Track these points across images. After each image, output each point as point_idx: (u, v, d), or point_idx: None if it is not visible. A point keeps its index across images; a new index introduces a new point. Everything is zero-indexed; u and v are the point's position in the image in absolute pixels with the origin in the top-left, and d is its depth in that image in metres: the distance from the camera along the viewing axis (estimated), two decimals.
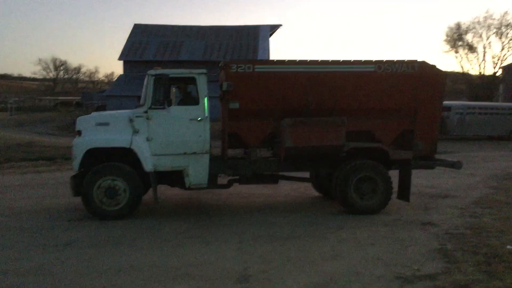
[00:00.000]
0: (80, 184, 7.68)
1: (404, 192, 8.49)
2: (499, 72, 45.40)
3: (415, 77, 8.38)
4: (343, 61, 8.37)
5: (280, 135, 7.94)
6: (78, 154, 7.64)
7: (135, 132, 7.76)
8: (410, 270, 5.30)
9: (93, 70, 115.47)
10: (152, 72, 7.91)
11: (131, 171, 7.72)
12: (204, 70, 8.11)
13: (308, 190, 10.17)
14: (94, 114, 8.49)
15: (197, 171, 7.98)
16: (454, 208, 8.76)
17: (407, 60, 8.41)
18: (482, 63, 45.30)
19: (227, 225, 7.41)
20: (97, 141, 7.69)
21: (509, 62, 44.67)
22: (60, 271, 5.38)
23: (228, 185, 8.71)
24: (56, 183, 11.34)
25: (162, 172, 7.95)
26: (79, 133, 7.79)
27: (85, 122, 7.92)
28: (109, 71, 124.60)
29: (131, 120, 7.78)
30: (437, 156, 9.09)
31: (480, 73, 45.57)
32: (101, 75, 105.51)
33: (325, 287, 4.88)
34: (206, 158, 8.00)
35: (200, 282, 5.02)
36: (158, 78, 7.79)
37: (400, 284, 4.90)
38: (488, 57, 45.28)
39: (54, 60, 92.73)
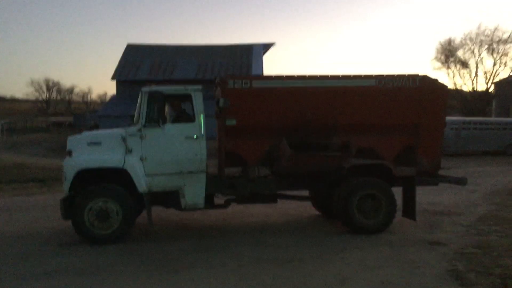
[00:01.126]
0: (70, 207, 7.32)
1: (410, 210, 8.19)
2: (492, 88, 45.65)
3: (417, 91, 8.16)
4: (342, 76, 8.14)
5: (280, 157, 7.71)
6: (69, 175, 7.30)
7: (129, 151, 7.44)
8: None
9: (86, 91, 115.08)
10: (146, 89, 7.64)
11: (124, 193, 7.38)
12: (200, 87, 7.86)
13: (308, 209, 9.83)
14: (85, 133, 8.17)
15: (193, 191, 7.66)
16: (460, 226, 8.47)
17: (408, 74, 8.20)
18: (475, 79, 45.62)
19: (225, 247, 7.05)
20: (89, 161, 7.36)
21: (501, 78, 44.97)
22: None
23: (226, 205, 8.37)
24: (46, 205, 10.93)
25: (156, 193, 7.62)
26: (69, 153, 7.46)
27: (76, 141, 7.60)
28: (102, 92, 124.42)
29: (124, 139, 7.47)
30: (440, 172, 8.83)
31: (473, 89, 45.82)
32: (94, 96, 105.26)
33: None
34: (202, 178, 7.69)
35: None
36: (152, 95, 7.52)
37: None
38: (480, 73, 45.48)
39: (46, 81, 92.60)
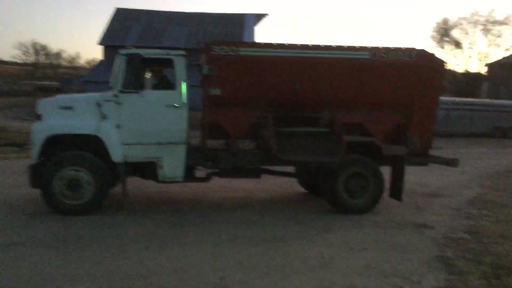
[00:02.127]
0: (39, 175, 6.86)
1: (397, 191, 7.83)
2: (485, 69, 45.35)
3: (413, 66, 7.71)
4: (336, 46, 7.63)
5: (266, 140, 7.27)
6: (38, 141, 6.80)
7: (103, 118, 6.95)
8: (410, 283, 4.64)
9: (75, 56, 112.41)
10: (123, 51, 7.10)
11: (97, 162, 6.92)
12: (183, 52, 7.34)
13: (293, 185, 9.47)
14: (58, 96, 7.63)
15: (172, 163, 7.22)
16: (448, 209, 8.18)
17: (405, 48, 7.72)
18: (468, 59, 45.23)
19: (203, 223, 6.67)
20: (59, 127, 6.85)
21: (494, 60, 44.62)
22: None
23: (207, 178, 7.96)
24: (21, 171, 10.40)
25: (133, 163, 7.17)
26: (39, 117, 6.95)
27: (46, 105, 7.07)
28: (90, 57, 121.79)
29: (98, 105, 6.96)
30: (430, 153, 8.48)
31: (466, 70, 45.46)
32: (82, 61, 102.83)
33: None
34: (182, 149, 7.25)
35: None
36: (130, 59, 6.98)
37: None
38: (474, 53, 45.07)
39: (34, 44, 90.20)
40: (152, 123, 7.06)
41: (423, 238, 6.27)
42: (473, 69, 45.45)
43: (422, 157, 8.12)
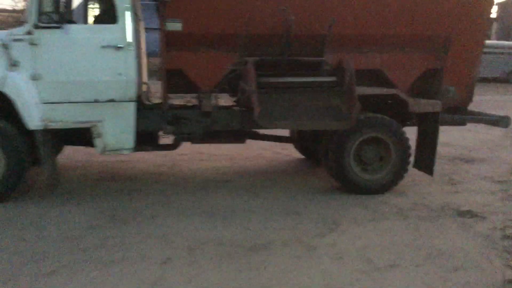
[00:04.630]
0: None
1: (426, 161, 5.79)
2: (495, 9, 42.40)
3: None
4: None
5: (246, 97, 5.19)
6: None
7: (13, 65, 4.81)
8: None
9: None
10: None
11: (7, 129, 4.88)
12: None
13: (287, 149, 7.46)
14: None
15: (117, 129, 5.14)
16: (491, 181, 6.24)
17: None
18: None
19: (155, 218, 4.61)
20: None
21: None
22: None
23: (175, 145, 5.91)
24: None
25: (63, 130, 5.13)
26: None
27: None
28: None
29: (5, 46, 4.80)
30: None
31: None
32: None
33: None
34: (130, 109, 5.15)
35: None
36: None
37: None
38: None
39: None
40: (84, 72, 4.93)
41: (474, 239, 4.29)
42: None
43: (461, 114, 6.06)
